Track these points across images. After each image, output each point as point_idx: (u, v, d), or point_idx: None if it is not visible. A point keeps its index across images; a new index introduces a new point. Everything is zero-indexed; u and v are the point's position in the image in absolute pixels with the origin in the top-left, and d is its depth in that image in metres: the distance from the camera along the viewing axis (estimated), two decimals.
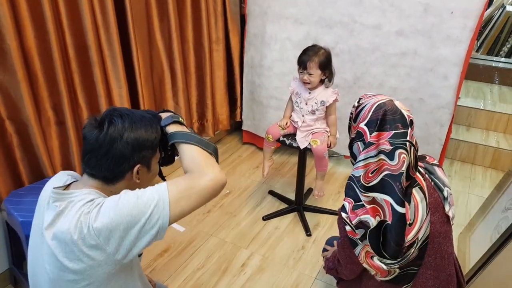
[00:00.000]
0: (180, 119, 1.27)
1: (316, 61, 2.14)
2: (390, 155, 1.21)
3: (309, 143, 2.29)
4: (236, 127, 3.73)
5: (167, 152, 1.31)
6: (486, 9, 2.34)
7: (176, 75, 2.79)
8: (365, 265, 1.30)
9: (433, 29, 2.48)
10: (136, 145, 1.11)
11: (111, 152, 1.08)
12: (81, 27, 2.05)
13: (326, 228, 2.56)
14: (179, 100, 2.86)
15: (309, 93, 2.24)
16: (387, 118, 1.22)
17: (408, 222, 1.22)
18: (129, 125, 1.11)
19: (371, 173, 1.23)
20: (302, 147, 2.29)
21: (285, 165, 3.28)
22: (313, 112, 2.26)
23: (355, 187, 1.27)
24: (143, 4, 2.44)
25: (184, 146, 1.18)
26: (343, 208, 1.29)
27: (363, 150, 1.26)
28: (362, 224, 1.24)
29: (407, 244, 1.24)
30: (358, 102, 1.36)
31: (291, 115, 2.39)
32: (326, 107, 2.25)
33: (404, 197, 1.22)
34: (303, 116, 2.29)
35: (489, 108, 3.56)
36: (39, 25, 1.87)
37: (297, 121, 2.32)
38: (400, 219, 1.20)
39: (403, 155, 1.20)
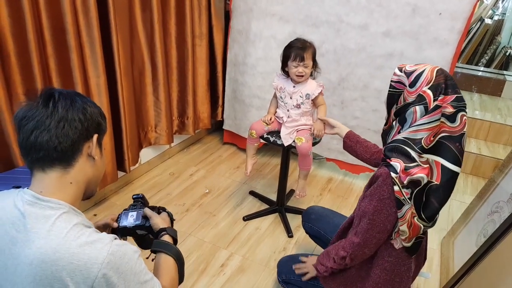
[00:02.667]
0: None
1: (310, 52, 2.12)
2: (451, 117, 1.25)
3: (294, 141, 2.22)
4: (217, 127, 3.64)
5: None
6: (473, 12, 2.33)
7: (157, 69, 2.69)
8: (404, 227, 1.30)
9: (421, 30, 2.46)
10: (92, 112, 1.01)
11: (67, 117, 0.96)
12: (58, 9, 1.94)
13: None
14: (159, 95, 2.76)
15: (294, 86, 2.19)
16: (448, 83, 1.26)
17: None
18: (80, 96, 1.02)
19: (433, 136, 1.26)
20: (286, 144, 2.23)
21: (267, 166, 3.20)
22: (298, 106, 2.20)
23: (409, 149, 1.27)
24: None
25: (167, 259, 1.19)
26: (391, 168, 1.27)
27: (426, 114, 1.26)
28: (411, 184, 1.26)
29: None
30: (401, 71, 1.36)
31: (275, 112, 2.32)
32: (312, 100, 2.20)
33: (462, 158, 1.27)
34: (288, 111, 2.23)
35: (470, 116, 3.58)
36: (14, 3, 1.75)
37: (282, 117, 2.26)
38: (452, 178, 1.26)
39: (464, 117, 1.25)
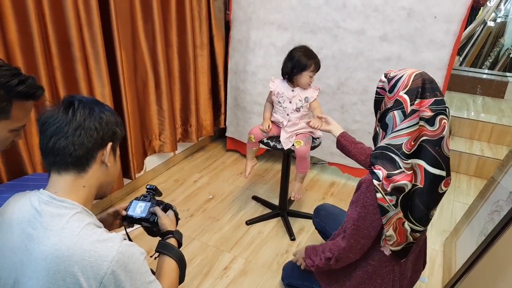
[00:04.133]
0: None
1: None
2: (430, 121, 1.25)
3: (293, 144, 2.27)
4: (220, 134, 3.70)
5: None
6: (467, 24, 2.37)
7: (159, 79, 2.76)
8: (390, 231, 1.31)
9: (417, 33, 2.51)
10: (108, 121, 1.07)
11: (84, 126, 1.02)
12: (64, 23, 2.02)
13: (310, 232, 2.52)
14: (162, 104, 2.83)
15: (293, 90, 2.24)
16: (426, 87, 1.26)
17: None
18: (99, 105, 1.09)
19: (414, 141, 1.26)
20: (286, 148, 2.27)
21: (269, 172, 3.24)
22: (298, 110, 2.25)
23: (393, 155, 1.28)
24: (128, 4, 2.41)
25: (170, 261, 1.24)
26: (374, 176, 1.29)
27: (405, 118, 1.27)
28: (395, 191, 1.26)
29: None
30: (385, 77, 1.38)
31: (271, 116, 2.37)
32: (310, 103, 2.25)
33: (444, 161, 1.27)
34: (287, 115, 2.28)
35: (473, 118, 3.59)
36: (22, 18, 1.83)
37: (282, 121, 2.30)
38: (434, 180, 1.26)
39: (444, 120, 1.26)
